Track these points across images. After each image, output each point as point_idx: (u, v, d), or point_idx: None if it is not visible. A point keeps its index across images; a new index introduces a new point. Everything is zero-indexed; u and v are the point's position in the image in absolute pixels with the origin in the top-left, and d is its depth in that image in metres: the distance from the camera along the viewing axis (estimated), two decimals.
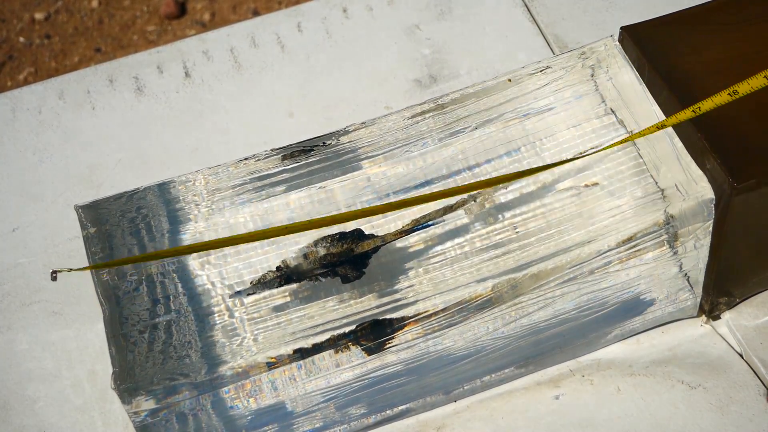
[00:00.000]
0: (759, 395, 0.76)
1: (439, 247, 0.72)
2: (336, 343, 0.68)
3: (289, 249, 0.72)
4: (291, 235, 0.72)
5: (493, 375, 0.77)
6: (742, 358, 0.79)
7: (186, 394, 0.67)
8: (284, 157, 0.75)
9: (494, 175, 0.75)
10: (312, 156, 0.75)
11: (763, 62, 0.75)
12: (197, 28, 1.86)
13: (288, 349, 0.68)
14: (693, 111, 0.65)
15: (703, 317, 0.80)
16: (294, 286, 0.70)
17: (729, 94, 0.65)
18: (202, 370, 0.67)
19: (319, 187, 0.74)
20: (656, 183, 0.73)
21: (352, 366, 0.71)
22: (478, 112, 0.77)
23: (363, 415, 0.75)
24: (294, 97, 0.97)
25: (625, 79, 0.77)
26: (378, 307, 0.69)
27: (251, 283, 0.71)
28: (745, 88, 0.65)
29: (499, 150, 0.76)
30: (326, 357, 0.69)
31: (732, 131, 0.72)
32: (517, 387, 0.78)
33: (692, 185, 0.71)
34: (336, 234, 0.72)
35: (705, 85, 0.74)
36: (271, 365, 0.68)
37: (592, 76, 0.78)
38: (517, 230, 0.72)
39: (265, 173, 0.75)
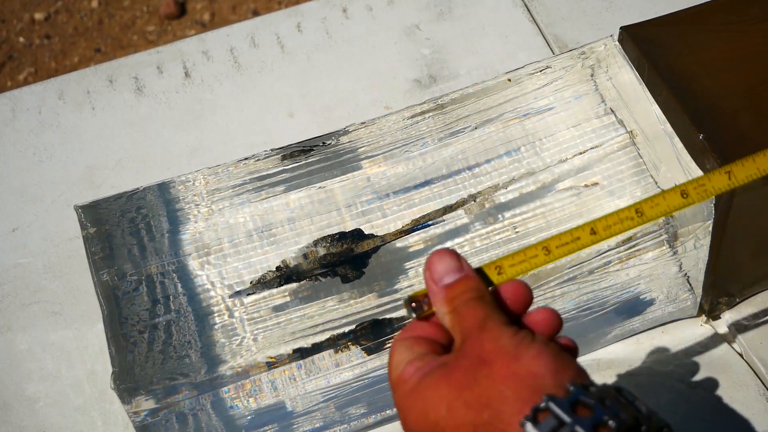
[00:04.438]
0: (759, 395, 0.76)
1: (439, 247, 0.72)
2: (336, 343, 0.68)
3: (289, 249, 0.72)
4: (291, 234, 0.72)
5: None
6: (742, 358, 0.78)
7: (186, 393, 0.67)
8: (284, 157, 0.75)
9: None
10: (312, 156, 0.75)
11: (763, 62, 0.76)
12: (197, 28, 1.86)
13: (288, 349, 0.68)
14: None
15: (703, 317, 0.80)
16: (294, 286, 0.70)
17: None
18: (201, 370, 0.67)
19: (319, 187, 0.74)
20: (656, 183, 0.73)
21: (352, 366, 0.71)
22: (478, 112, 0.77)
23: (363, 414, 0.75)
24: (294, 97, 0.97)
25: (624, 79, 0.77)
26: (378, 307, 0.69)
27: (251, 283, 0.71)
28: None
29: (499, 150, 0.76)
30: (326, 357, 0.69)
31: (732, 131, 0.72)
32: None
33: None
34: (336, 234, 0.72)
35: (705, 85, 0.74)
36: (270, 365, 0.68)
37: (592, 76, 0.78)
38: (516, 230, 0.72)
39: (265, 173, 0.75)
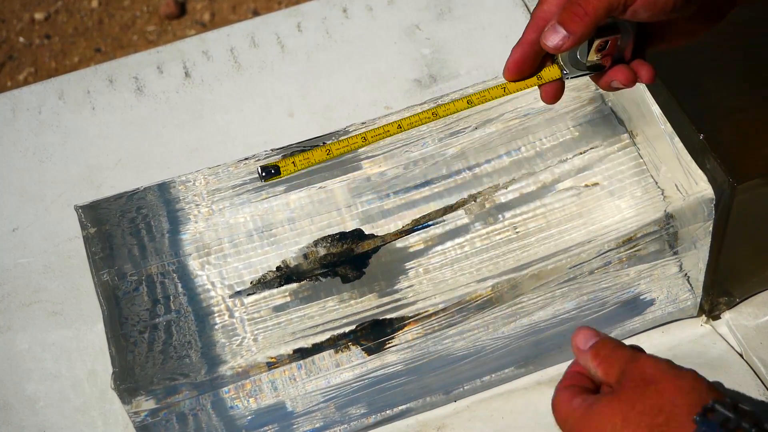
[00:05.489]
0: (759, 395, 0.76)
1: (439, 247, 0.72)
2: (336, 343, 0.68)
3: (289, 249, 0.72)
4: (291, 234, 0.72)
5: (493, 375, 0.77)
6: (742, 358, 0.78)
7: (186, 394, 0.67)
8: (284, 157, 0.75)
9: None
10: None
11: (763, 62, 0.76)
12: (197, 28, 1.86)
13: (288, 349, 0.68)
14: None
15: (703, 317, 0.80)
16: (294, 286, 0.70)
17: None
18: (202, 370, 0.67)
19: (319, 187, 0.74)
20: (656, 183, 0.73)
21: (352, 366, 0.71)
22: (478, 112, 0.77)
23: (363, 415, 0.75)
24: (294, 97, 0.97)
25: None
26: (378, 307, 0.69)
27: (251, 283, 0.71)
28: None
29: (499, 150, 0.76)
30: (326, 357, 0.69)
31: (732, 131, 0.72)
32: (517, 387, 0.78)
33: (692, 185, 0.71)
34: (336, 234, 0.72)
35: (705, 84, 0.74)
36: (271, 365, 0.68)
37: None
38: (517, 230, 0.72)
39: None
